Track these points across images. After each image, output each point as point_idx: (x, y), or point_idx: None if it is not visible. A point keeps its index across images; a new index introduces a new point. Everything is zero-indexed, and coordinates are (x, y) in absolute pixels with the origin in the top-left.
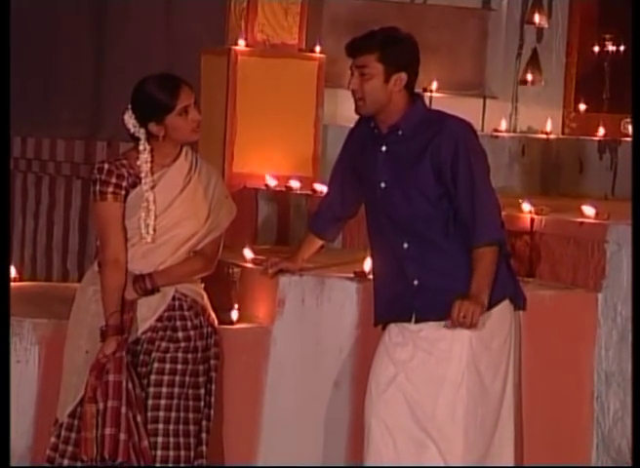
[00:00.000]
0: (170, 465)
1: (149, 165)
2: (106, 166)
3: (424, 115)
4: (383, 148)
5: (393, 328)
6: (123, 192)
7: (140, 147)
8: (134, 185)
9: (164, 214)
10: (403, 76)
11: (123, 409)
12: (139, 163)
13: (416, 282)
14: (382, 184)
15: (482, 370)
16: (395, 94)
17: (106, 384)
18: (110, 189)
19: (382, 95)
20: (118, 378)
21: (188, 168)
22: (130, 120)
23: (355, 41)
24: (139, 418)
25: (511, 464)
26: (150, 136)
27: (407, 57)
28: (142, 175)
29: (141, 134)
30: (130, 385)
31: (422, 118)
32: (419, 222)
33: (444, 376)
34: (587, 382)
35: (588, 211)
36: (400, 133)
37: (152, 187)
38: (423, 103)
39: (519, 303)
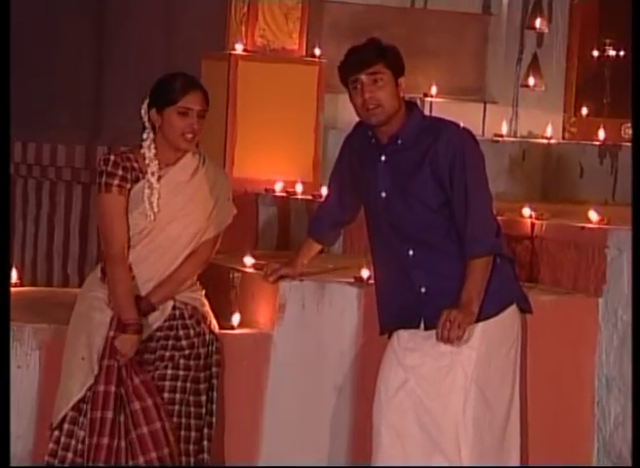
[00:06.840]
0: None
1: (154, 151)
2: (112, 157)
3: (422, 123)
4: (383, 158)
5: (403, 333)
6: (128, 185)
7: (144, 135)
8: (136, 180)
9: (166, 213)
10: (404, 80)
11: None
12: (142, 151)
13: (423, 289)
14: (383, 194)
15: (490, 376)
16: (401, 99)
17: (96, 394)
18: (116, 182)
19: (396, 100)
20: (109, 389)
21: (195, 167)
22: (144, 105)
23: (361, 53)
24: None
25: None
26: (153, 129)
27: (402, 61)
28: (147, 161)
29: (147, 121)
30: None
31: (421, 126)
32: (422, 230)
33: (452, 383)
34: (588, 387)
35: (594, 216)
36: (399, 142)
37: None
38: (420, 111)
39: (525, 306)
